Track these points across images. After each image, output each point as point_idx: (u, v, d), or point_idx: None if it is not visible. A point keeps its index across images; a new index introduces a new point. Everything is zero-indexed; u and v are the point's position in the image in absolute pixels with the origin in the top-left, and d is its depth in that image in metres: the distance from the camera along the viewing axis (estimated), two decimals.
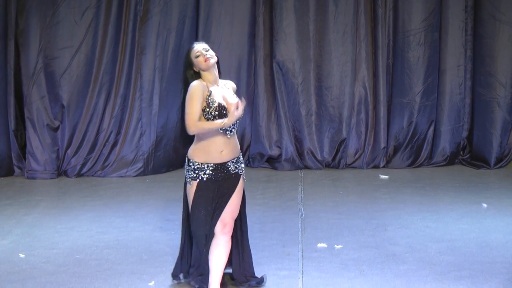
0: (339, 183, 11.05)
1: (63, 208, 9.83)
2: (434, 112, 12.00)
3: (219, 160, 6.41)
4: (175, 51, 11.56)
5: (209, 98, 6.37)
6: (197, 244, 6.51)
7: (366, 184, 10.99)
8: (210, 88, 6.43)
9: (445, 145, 12.01)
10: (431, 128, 12.01)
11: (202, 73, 6.48)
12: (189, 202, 6.49)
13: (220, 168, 6.41)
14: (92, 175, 11.57)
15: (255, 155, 12.06)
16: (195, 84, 6.40)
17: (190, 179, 6.43)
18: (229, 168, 6.45)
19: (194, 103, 6.34)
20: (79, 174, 11.57)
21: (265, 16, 11.93)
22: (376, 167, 11.93)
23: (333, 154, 11.99)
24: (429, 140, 12.02)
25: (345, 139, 11.95)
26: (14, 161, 11.67)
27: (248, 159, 12.10)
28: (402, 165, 11.98)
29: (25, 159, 11.63)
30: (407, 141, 11.99)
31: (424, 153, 12.02)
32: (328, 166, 11.97)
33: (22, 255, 7.96)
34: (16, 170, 11.68)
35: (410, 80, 11.91)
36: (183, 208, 6.69)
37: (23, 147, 11.72)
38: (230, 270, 6.83)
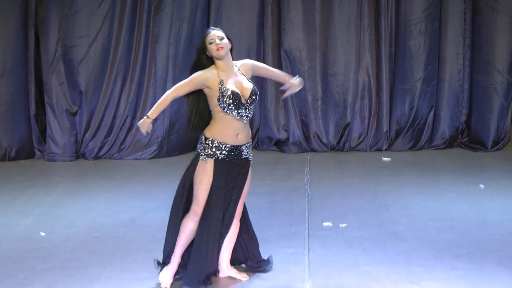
0: (343, 165, 11.05)
1: (81, 189, 9.86)
2: (434, 97, 11.98)
3: (235, 142, 6.30)
4: (187, 39, 11.56)
5: (222, 87, 6.22)
6: (209, 228, 6.35)
7: (369, 166, 10.98)
8: (222, 77, 6.26)
9: (444, 129, 12.00)
10: (431, 113, 12.00)
11: (215, 59, 6.31)
12: (201, 180, 6.32)
13: (235, 150, 6.30)
14: (109, 158, 11.59)
15: (264, 138, 12.06)
16: (201, 71, 6.29)
17: (206, 156, 6.26)
18: (242, 152, 6.35)
19: (186, 82, 6.28)
20: (97, 157, 11.58)
21: (273, 7, 11.91)
22: (379, 150, 11.93)
23: (338, 138, 11.99)
24: (429, 124, 12.00)
25: (349, 123, 11.95)
26: (35, 144, 11.69)
27: (257, 142, 12.10)
28: (403, 148, 11.97)
29: (45, 142, 11.65)
30: (408, 125, 11.97)
31: (425, 137, 12.01)
32: (333, 149, 11.97)
33: (43, 234, 7.99)
34: (37, 153, 11.70)
35: (412, 67, 11.89)
36: (182, 192, 6.56)
37: (43, 131, 11.73)
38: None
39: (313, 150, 11.89)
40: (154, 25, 11.50)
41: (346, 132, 11.98)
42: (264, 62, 11.84)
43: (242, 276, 6.59)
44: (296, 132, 11.91)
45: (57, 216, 8.66)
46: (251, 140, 6.44)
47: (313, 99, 11.94)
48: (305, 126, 11.97)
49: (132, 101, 11.59)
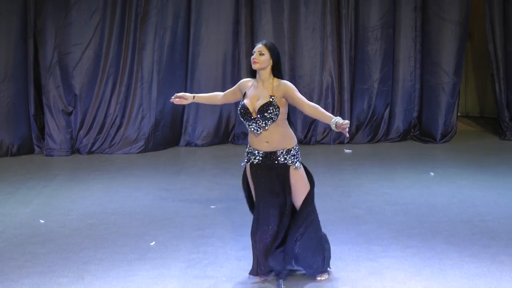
0: (310, 156, 11.04)
1: (76, 181, 9.79)
2: (390, 96, 12.01)
3: (266, 149, 5.97)
4: (170, 46, 11.54)
5: (243, 98, 6.06)
6: (257, 224, 6.09)
7: (333, 157, 10.99)
8: (250, 88, 6.02)
9: (399, 124, 12.03)
10: (387, 110, 12.03)
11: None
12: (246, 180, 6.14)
13: (268, 156, 5.98)
14: (101, 153, 11.53)
15: (239, 134, 12.04)
16: (246, 79, 6.16)
17: (245, 160, 6.09)
18: (278, 158, 5.95)
19: (232, 88, 6.28)
20: (90, 152, 11.52)
21: (247, 17, 11.89)
22: (341, 143, 11.94)
23: (305, 133, 11.99)
24: (386, 120, 12.03)
25: (314, 119, 11.93)
26: (34, 141, 11.63)
27: (233, 137, 12.08)
28: (363, 141, 11.99)
29: (43, 139, 11.58)
30: (367, 120, 12.00)
31: (381, 131, 12.03)
32: (301, 142, 11.95)
33: (42, 221, 7.94)
34: (36, 149, 11.63)
35: (369, 69, 11.91)
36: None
37: (42, 129, 11.67)
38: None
39: None
40: (140, 33, 11.46)
41: (312, 128, 11.98)
42: (239, 65, 11.88)
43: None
44: None
45: (54, 205, 8.60)
46: (289, 147, 5.97)
47: None
48: None
49: (122, 101, 11.54)
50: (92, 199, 8.85)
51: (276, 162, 5.95)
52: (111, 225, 7.76)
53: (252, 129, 5.97)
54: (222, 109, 11.83)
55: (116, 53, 11.47)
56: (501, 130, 12.03)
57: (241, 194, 8.75)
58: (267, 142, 5.94)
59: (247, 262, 6.50)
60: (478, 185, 9.04)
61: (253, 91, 6.00)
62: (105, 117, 11.54)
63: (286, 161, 5.96)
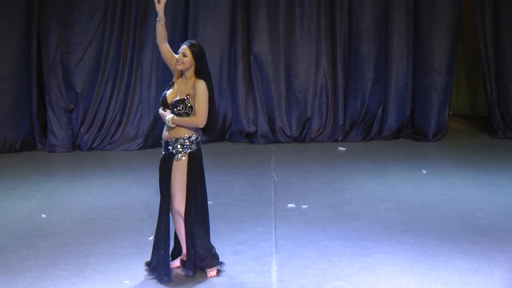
0: (305, 154, 11.02)
1: (77, 176, 9.76)
2: (382, 95, 11.97)
3: (164, 138, 6.08)
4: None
5: (167, 88, 6.13)
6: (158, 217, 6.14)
7: (327, 155, 10.95)
8: (177, 81, 6.08)
9: (391, 122, 11.99)
10: (380, 108, 11.98)
11: None
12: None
13: (164, 145, 6.08)
14: (101, 149, 11.48)
15: (236, 131, 11.99)
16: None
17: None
18: (169, 146, 6.01)
19: (175, 54, 6.17)
20: (91, 148, 11.48)
21: (243, 18, 11.84)
22: (335, 141, 11.90)
23: (300, 131, 11.95)
24: (378, 118, 11.99)
25: (309, 118, 11.91)
26: (37, 138, 11.58)
27: (230, 134, 12.03)
28: (356, 139, 11.95)
29: (46, 136, 11.54)
30: (360, 119, 11.96)
31: (375, 129, 11.99)
32: (295, 140, 11.93)
33: (44, 215, 7.91)
34: (39, 145, 11.59)
35: (363, 69, 11.87)
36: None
37: (44, 126, 11.62)
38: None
39: (278, 142, 11.84)
40: (140, 33, 11.42)
41: (306, 126, 11.93)
42: (235, 65, 11.88)
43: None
44: (263, 125, 11.85)
45: (56, 200, 8.57)
46: (178, 136, 5.96)
47: (278, 97, 11.89)
48: (271, 121, 11.92)
49: (121, 99, 11.51)
50: (93, 194, 8.82)
51: (168, 150, 6.01)
52: (111, 219, 7.73)
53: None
54: (218, 107, 11.77)
55: (116, 52, 11.44)
56: (492, 129, 11.99)
57: (238, 191, 8.80)
58: (166, 131, 6.04)
59: (244, 257, 6.50)
60: (470, 183, 9.02)
61: (177, 86, 6.07)
62: (106, 114, 11.51)
63: (172, 150, 5.98)
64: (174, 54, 6.15)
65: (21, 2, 11.24)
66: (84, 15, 11.35)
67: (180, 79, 6.09)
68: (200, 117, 5.92)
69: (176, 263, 6.21)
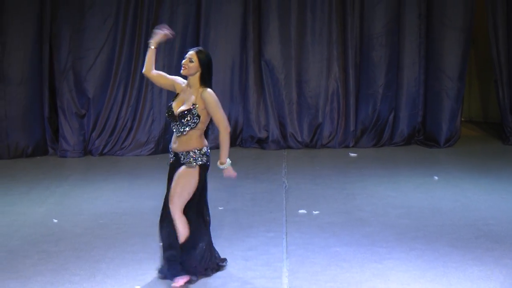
0: (316, 160, 11.02)
1: (88, 181, 9.78)
2: (394, 101, 11.96)
3: (175, 149, 6.07)
4: (179, 52, 11.48)
5: (172, 100, 6.12)
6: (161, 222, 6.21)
7: (338, 161, 10.95)
8: (181, 91, 6.07)
9: (403, 128, 11.97)
10: (392, 114, 11.97)
11: None
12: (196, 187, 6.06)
13: (176, 156, 6.08)
14: (113, 154, 11.51)
15: (247, 137, 12.00)
16: (180, 77, 6.17)
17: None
18: (180, 159, 6.03)
19: (170, 76, 6.24)
20: (102, 153, 11.51)
21: (254, 23, 11.85)
22: (347, 146, 11.89)
23: (311, 136, 11.94)
24: (390, 124, 11.98)
25: (320, 123, 11.91)
26: (48, 143, 11.63)
27: (241, 140, 12.05)
28: (367, 145, 11.94)
29: (57, 141, 11.58)
30: (371, 125, 11.95)
31: (386, 135, 11.98)
32: (307, 146, 11.93)
33: (55, 220, 7.93)
34: (50, 150, 11.64)
35: (374, 75, 11.87)
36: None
37: (55, 131, 11.67)
38: None
39: (289, 147, 11.84)
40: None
41: (318, 132, 11.93)
42: (246, 70, 11.87)
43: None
44: (274, 131, 11.86)
45: (67, 205, 8.59)
46: (188, 149, 5.96)
47: (289, 102, 11.89)
48: (282, 126, 11.92)
49: (133, 105, 11.54)
50: (104, 199, 8.83)
51: (179, 162, 6.02)
52: (122, 225, 7.75)
53: (174, 130, 6.04)
54: (230, 113, 11.79)
55: (128, 58, 11.48)
56: (504, 135, 11.96)
57: (249, 196, 8.79)
58: (176, 144, 6.03)
59: (254, 262, 6.49)
60: (482, 189, 8.99)
61: (182, 95, 6.06)
62: (117, 120, 11.54)
63: (184, 161, 6.00)
64: (167, 75, 6.21)
65: (33, 7, 11.29)
66: (96, 20, 11.40)
67: (184, 89, 6.08)
68: (223, 123, 5.98)
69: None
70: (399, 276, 6.15)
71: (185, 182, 5.96)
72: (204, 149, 6.03)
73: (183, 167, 5.98)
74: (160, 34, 6.22)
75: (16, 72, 11.27)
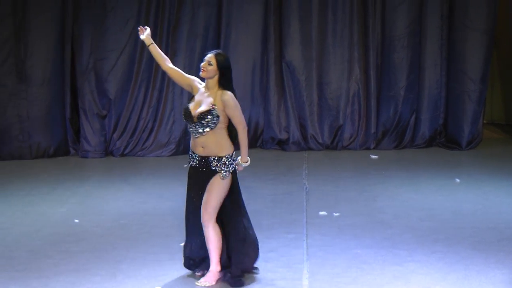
0: (337, 162, 11.00)
1: (110, 182, 9.83)
2: (415, 103, 11.91)
3: (201, 153, 6.02)
4: (200, 53, 11.50)
5: (189, 101, 6.14)
6: (186, 225, 6.28)
7: (359, 162, 10.92)
8: (198, 93, 6.07)
9: (424, 130, 11.93)
10: (413, 117, 11.93)
11: None
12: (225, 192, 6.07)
13: (203, 160, 6.04)
14: (134, 155, 11.56)
15: (268, 138, 12.01)
16: (197, 79, 6.20)
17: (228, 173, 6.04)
18: (211, 164, 6.00)
19: (187, 75, 6.28)
20: (123, 154, 11.56)
21: (275, 24, 11.85)
22: (368, 148, 11.86)
23: (332, 138, 11.93)
24: (411, 126, 11.94)
25: (341, 125, 11.89)
26: (70, 143, 11.70)
27: (262, 142, 12.06)
28: (389, 147, 11.90)
29: (79, 141, 11.64)
30: (393, 127, 11.91)
31: (407, 137, 11.94)
32: (327, 148, 11.91)
33: (76, 220, 7.97)
34: (72, 150, 11.70)
35: (395, 77, 11.83)
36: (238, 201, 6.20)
37: (77, 132, 11.73)
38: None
39: (310, 149, 11.83)
40: (172, 40, 11.49)
41: (339, 133, 11.91)
42: (267, 72, 11.87)
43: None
44: (295, 133, 11.85)
45: (88, 205, 8.64)
46: (221, 155, 5.96)
47: (310, 104, 11.88)
48: (303, 128, 11.92)
49: (154, 105, 11.58)
50: (125, 200, 8.87)
51: (208, 167, 5.99)
52: (143, 225, 7.77)
53: (192, 132, 6.04)
54: (250, 115, 11.80)
55: (149, 59, 11.50)
56: None
57: (270, 198, 8.80)
58: (202, 147, 6.00)
59: (275, 264, 6.49)
60: (504, 192, 8.93)
61: (199, 97, 6.06)
62: (138, 120, 11.58)
63: (216, 168, 5.97)
64: (185, 74, 6.24)
65: (56, 8, 11.35)
66: (117, 22, 11.44)
67: (201, 91, 6.08)
68: (241, 124, 6.01)
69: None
70: (420, 278, 6.13)
71: (220, 192, 5.99)
72: (234, 154, 6.06)
73: (216, 179, 5.97)
74: (142, 32, 6.36)
75: (38, 73, 11.34)
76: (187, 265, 6.33)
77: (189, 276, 6.25)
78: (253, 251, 6.19)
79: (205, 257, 6.20)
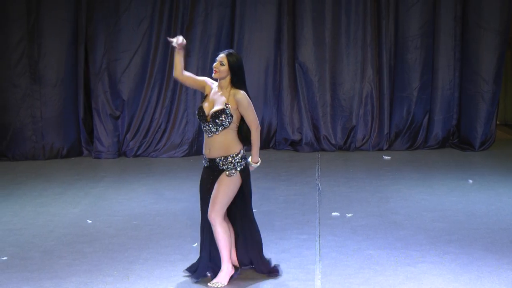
0: (349, 162, 10.99)
1: (123, 183, 9.86)
2: (429, 104, 11.90)
3: (209, 155, 6.06)
4: (214, 54, 11.53)
5: (202, 100, 6.15)
6: (202, 226, 6.26)
7: (372, 163, 10.91)
8: (211, 92, 6.08)
9: (437, 131, 11.91)
10: (426, 117, 11.91)
11: None
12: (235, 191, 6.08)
13: (211, 162, 6.06)
14: (147, 156, 11.60)
15: (281, 139, 12.02)
16: (210, 79, 6.22)
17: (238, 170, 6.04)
18: (218, 164, 6.02)
19: (199, 77, 6.34)
20: (136, 155, 11.59)
21: (289, 25, 11.86)
22: (380, 149, 11.86)
23: (345, 139, 11.92)
24: (424, 127, 11.92)
25: (354, 126, 11.88)
26: (83, 144, 11.75)
27: (275, 143, 12.08)
28: (402, 148, 11.89)
29: (92, 142, 11.69)
30: (406, 128, 11.90)
31: (420, 138, 11.92)
32: (340, 148, 11.91)
33: (89, 221, 8.00)
34: (85, 151, 11.75)
35: (409, 78, 11.82)
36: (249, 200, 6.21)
37: (90, 133, 11.78)
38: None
39: (323, 150, 11.84)
40: (186, 41, 11.46)
41: (351, 134, 11.91)
42: (280, 72, 11.88)
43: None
44: (308, 134, 11.86)
45: (101, 206, 8.66)
46: (226, 154, 5.95)
47: (323, 105, 11.89)
48: (316, 129, 11.92)
49: (167, 106, 11.61)
50: (138, 200, 8.89)
51: (217, 167, 6.01)
52: (156, 226, 7.79)
53: (205, 131, 6.05)
54: (263, 115, 11.82)
55: (162, 59, 11.55)
56: None
57: (282, 199, 8.80)
58: (209, 149, 6.03)
59: (287, 265, 6.49)
60: None
61: (212, 96, 6.08)
62: (151, 121, 11.62)
63: (223, 167, 6.00)
64: (196, 76, 6.30)
65: (69, 9, 11.41)
66: (130, 23, 11.48)
67: (215, 90, 6.10)
68: (254, 123, 6.02)
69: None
70: (433, 279, 6.12)
71: (227, 190, 5.99)
72: (242, 152, 6.05)
73: (224, 176, 6.00)
74: (177, 44, 6.36)
75: (52, 74, 11.40)
76: (190, 270, 6.33)
77: (201, 278, 6.24)
78: (258, 252, 6.28)
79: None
